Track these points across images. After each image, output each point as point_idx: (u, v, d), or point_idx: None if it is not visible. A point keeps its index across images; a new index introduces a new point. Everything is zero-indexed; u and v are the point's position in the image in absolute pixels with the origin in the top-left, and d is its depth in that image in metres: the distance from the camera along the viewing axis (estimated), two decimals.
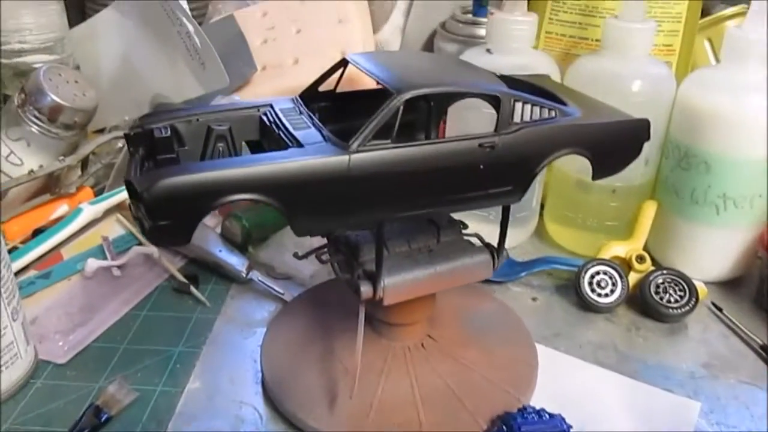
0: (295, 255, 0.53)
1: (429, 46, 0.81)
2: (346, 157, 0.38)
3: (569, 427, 0.45)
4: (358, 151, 0.38)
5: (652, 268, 0.63)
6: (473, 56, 0.64)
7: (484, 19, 0.76)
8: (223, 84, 0.69)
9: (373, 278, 0.44)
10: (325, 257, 0.49)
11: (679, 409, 0.50)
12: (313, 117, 0.43)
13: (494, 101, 0.42)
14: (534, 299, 0.63)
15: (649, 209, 0.65)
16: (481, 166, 0.41)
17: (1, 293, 0.48)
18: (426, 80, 0.41)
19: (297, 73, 0.74)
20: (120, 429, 0.48)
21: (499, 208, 0.46)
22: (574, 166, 0.67)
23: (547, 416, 0.45)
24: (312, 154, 0.38)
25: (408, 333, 0.51)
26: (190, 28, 0.68)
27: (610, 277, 0.61)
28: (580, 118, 0.44)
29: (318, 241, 0.54)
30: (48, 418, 0.49)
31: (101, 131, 0.79)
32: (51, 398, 0.50)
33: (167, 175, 0.35)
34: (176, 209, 0.36)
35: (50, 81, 0.65)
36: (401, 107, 0.39)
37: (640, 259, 0.63)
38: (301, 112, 0.44)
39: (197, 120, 0.45)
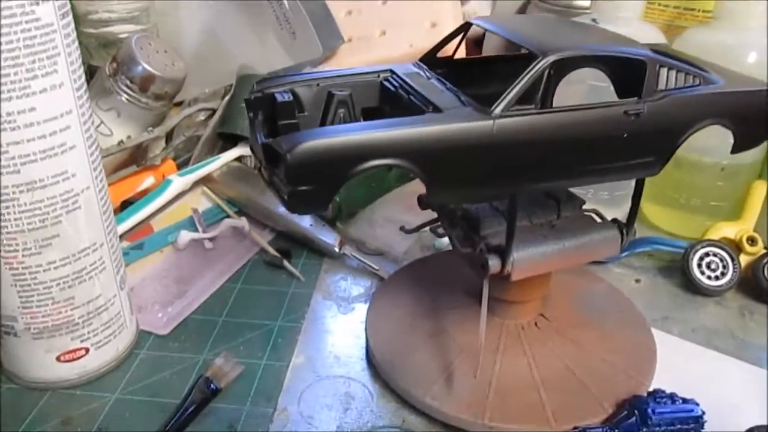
0: (402, 229, 0.52)
1: None
2: (490, 122, 0.36)
3: (704, 413, 0.42)
4: (502, 116, 0.36)
5: (764, 250, 0.60)
6: None
7: None
8: (315, 54, 0.67)
9: (502, 252, 0.42)
10: (441, 231, 0.47)
11: None
12: (445, 81, 0.41)
13: (634, 67, 0.39)
14: (637, 281, 0.61)
15: (760, 189, 0.62)
16: (625, 135, 0.39)
17: (111, 262, 0.47)
18: (570, 42, 0.39)
19: (385, 45, 0.72)
20: (229, 402, 0.47)
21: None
22: None
23: (681, 401, 0.43)
24: (455, 119, 0.36)
25: (522, 311, 0.49)
26: None
27: (721, 259, 0.59)
28: (724, 86, 0.41)
29: (419, 220, 0.52)
30: (155, 388, 0.48)
31: (180, 104, 0.79)
32: (156, 369, 0.50)
33: (311, 137, 0.34)
34: (319, 173, 0.34)
35: (141, 50, 0.65)
36: (548, 70, 0.37)
37: (752, 240, 0.60)
38: (429, 77, 0.42)
39: (318, 85, 0.43)
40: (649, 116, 0.39)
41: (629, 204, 0.69)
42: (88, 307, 0.46)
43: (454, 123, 0.36)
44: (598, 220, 0.47)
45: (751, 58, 0.59)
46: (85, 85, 0.43)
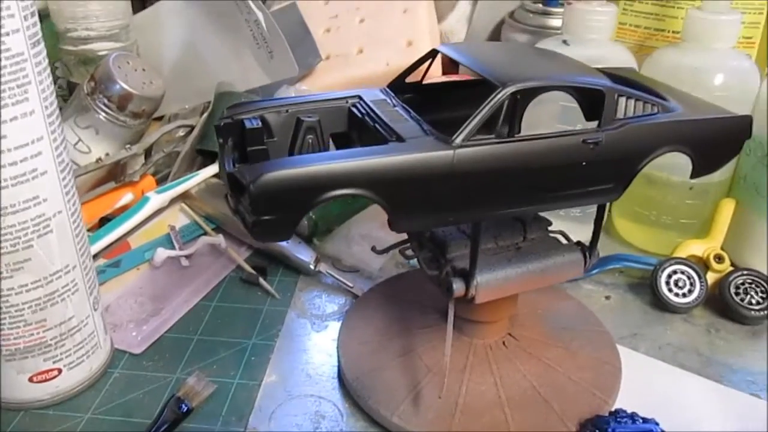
0: (374, 250, 0.53)
1: (496, 35, 0.79)
2: (450, 152, 0.37)
3: None
4: (462, 146, 0.37)
5: (731, 268, 0.61)
6: (548, 47, 0.62)
7: (555, 9, 0.75)
8: (292, 73, 0.68)
9: (466, 276, 0.43)
10: (409, 253, 0.48)
11: None
12: (410, 110, 0.42)
13: (596, 96, 0.41)
14: (607, 297, 0.62)
15: (728, 207, 0.63)
16: (584, 163, 0.40)
17: (85, 283, 0.47)
18: (531, 73, 0.40)
19: (362, 63, 0.73)
20: (201, 422, 0.47)
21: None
22: None
23: (641, 420, 0.44)
24: (416, 149, 0.37)
25: (490, 331, 0.50)
26: (260, 15, 0.67)
27: (688, 277, 0.60)
28: (682, 114, 0.43)
29: (394, 236, 0.53)
30: (128, 408, 0.48)
31: (160, 119, 0.79)
32: (130, 388, 0.50)
33: (274, 168, 0.34)
34: (282, 203, 0.35)
35: (119, 69, 0.65)
36: (506, 101, 0.38)
37: (719, 258, 0.61)
38: (395, 105, 0.43)
39: (287, 111, 0.44)
40: (607, 145, 0.40)
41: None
42: (61, 328, 0.46)
43: (416, 153, 0.37)
44: (564, 241, 0.48)
45: (718, 80, 0.61)
46: (57, 111, 0.43)
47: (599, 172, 0.41)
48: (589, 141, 0.39)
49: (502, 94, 0.38)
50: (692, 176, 0.45)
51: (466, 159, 0.37)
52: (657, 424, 0.44)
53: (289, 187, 0.35)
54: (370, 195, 0.36)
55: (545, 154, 0.39)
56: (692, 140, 0.42)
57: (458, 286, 0.43)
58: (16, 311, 0.44)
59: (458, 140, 0.37)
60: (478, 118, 0.38)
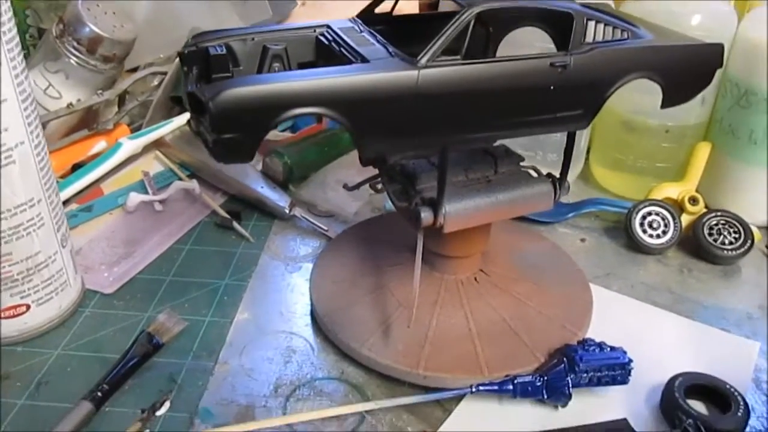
0: (345, 186, 0.52)
1: None
2: (414, 72, 0.36)
3: (630, 360, 0.44)
4: (426, 67, 0.37)
5: (705, 210, 0.61)
6: None
7: None
8: (265, 16, 0.67)
9: (434, 205, 0.42)
10: (379, 186, 0.48)
11: (739, 349, 0.49)
12: (376, 34, 0.41)
13: (565, 21, 0.40)
14: (582, 240, 0.62)
15: (703, 151, 0.63)
16: (552, 87, 0.39)
17: (51, 219, 0.47)
18: None
19: (339, 8, 0.72)
20: (171, 356, 0.47)
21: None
22: (624, 106, 0.65)
23: (608, 349, 0.44)
24: (379, 69, 0.36)
25: (461, 266, 0.49)
26: None
27: (662, 218, 0.60)
28: (652, 41, 0.42)
29: (366, 175, 0.53)
30: (99, 344, 0.48)
31: (135, 70, 0.78)
32: (100, 326, 0.50)
33: (233, 86, 0.34)
34: (242, 121, 0.34)
35: (89, 11, 0.64)
36: (472, 22, 0.37)
37: (693, 200, 0.61)
38: (361, 31, 0.42)
39: (252, 39, 0.43)
40: (575, 69, 0.39)
41: (578, 166, 0.70)
42: (27, 263, 0.46)
43: (380, 72, 0.36)
44: (536, 175, 0.48)
45: (695, 21, 0.60)
46: (17, 39, 0.42)
47: (567, 97, 0.40)
48: (557, 64, 0.39)
49: (468, 14, 0.37)
50: (663, 105, 0.44)
51: (431, 80, 0.37)
52: (625, 352, 0.44)
53: (250, 104, 0.34)
54: (332, 114, 0.35)
55: (512, 77, 0.38)
56: (662, 67, 0.42)
57: (426, 215, 0.42)
58: None
59: (423, 61, 0.37)
60: (443, 38, 0.37)
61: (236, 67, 0.43)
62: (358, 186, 0.50)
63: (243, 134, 0.35)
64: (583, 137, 0.68)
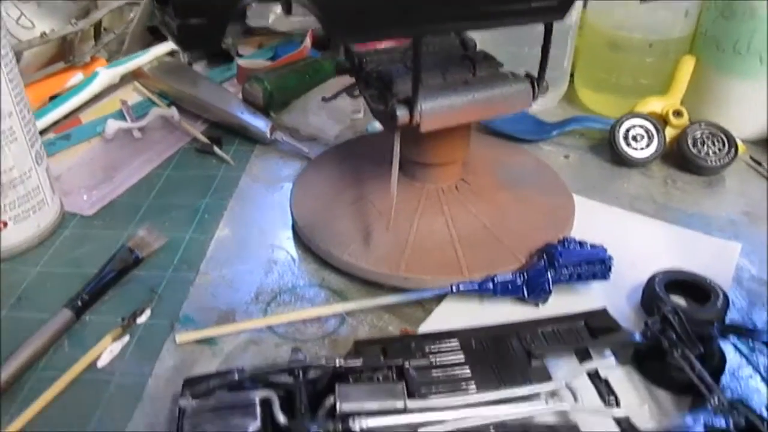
0: (323, 98, 0.51)
1: None
2: None
3: (610, 257, 0.43)
4: None
5: (690, 123, 0.60)
6: None
7: None
8: None
9: (410, 103, 0.42)
10: (356, 93, 0.47)
11: (721, 250, 0.49)
12: None
13: None
14: (566, 157, 0.61)
15: (688, 64, 0.63)
16: None
17: (24, 134, 0.46)
18: None
19: None
20: (152, 270, 0.47)
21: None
22: (607, 23, 0.64)
23: (589, 246, 0.44)
24: None
25: (441, 175, 0.49)
26: None
27: (646, 131, 0.59)
28: None
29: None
30: (78, 261, 0.48)
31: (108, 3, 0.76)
32: (80, 245, 0.50)
33: None
34: (205, 5, 0.33)
35: None
36: None
37: (677, 114, 0.61)
38: None
39: None
40: None
41: (563, 87, 0.70)
42: (1, 178, 0.45)
43: None
44: None
45: None
46: None
47: None
48: None
49: None
50: None
51: None
52: (605, 249, 0.44)
53: None
54: None
55: None
56: None
57: (402, 113, 0.42)
58: None
59: None
60: None
61: None
62: (335, 96, 0.50)
63: (208, 18, 0.34)
64: (566, 56, 0.67)
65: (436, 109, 0.42)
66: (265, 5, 0.77)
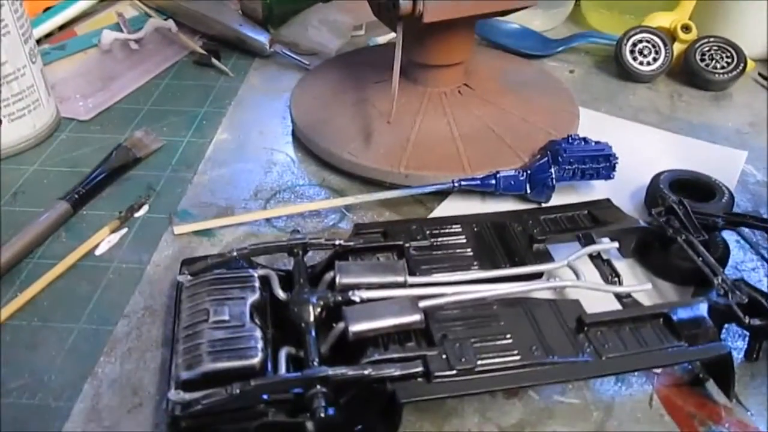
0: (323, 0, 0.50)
1: None
2: None
3: (615, 156, 0.43)
4: None
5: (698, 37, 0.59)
6: None
7: None
8: None
9: None
10: None
11: (726, 157, 0.49)
12: None
13: None
14: (571, 72, 0.60)
15: None
16: None
17: (17, 29, 0.45)
18: None
19: None
20: (150, 170, 0.46)
21: None
22: None
23: (593, 143, 0.43)
24: None
25: (444, 77, 0.48)
26: None
27: (653, 45, 0.58)
28: None
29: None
30: (75, 161, 0.47)
31: None
32: (77, 147, 0.49)
33: None
34: None
35: None
36: None
37: (686, 28, 0.59)
38: None
39: None
40: None
41: (568, 5, 0.68)
42: None
43: None
44: None
45: None
46: None
47: None
48: None
49: None
50: None
51: None
52: (610, 147, 0.43)
53: None
54: None
55: None
56: None
57: (405, 3, 0.40)
58: None
59: None
60: None
61: None
62: None
63: None
64: None
65: None
66: None
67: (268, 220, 0.42)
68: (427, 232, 0.36)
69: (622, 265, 0.38)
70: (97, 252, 0.39)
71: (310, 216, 0.42)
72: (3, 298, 0.36)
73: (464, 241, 0.36)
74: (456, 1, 0.42)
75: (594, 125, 0.51)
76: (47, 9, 0.63)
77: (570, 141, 0.43)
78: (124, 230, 0.41)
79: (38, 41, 0.60)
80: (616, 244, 0.36)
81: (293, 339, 0.31)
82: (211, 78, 0.58)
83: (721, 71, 0.57)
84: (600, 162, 0.42)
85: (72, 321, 0.35)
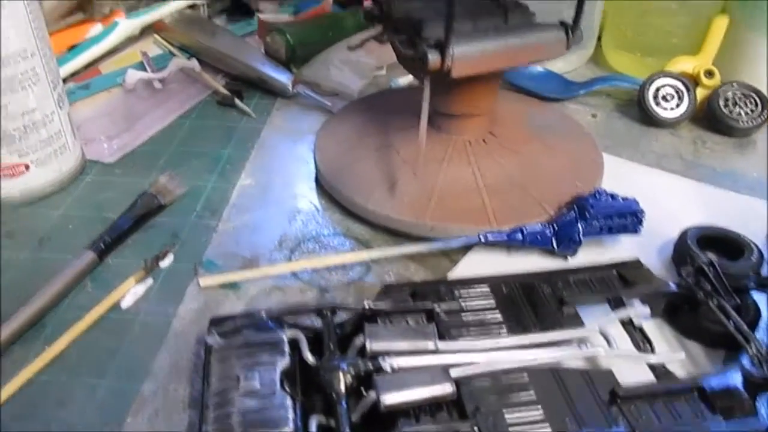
0: (349, 47, 0.50)
1: None
2: None
3: (642, 210, 0.43)
4: None
5: (721, 83, 0.59)
6: None
7: None
8: None
9: (441, 47, 0.41)
10: (384, 38, 0.46)
11: (752, 209, 0.48)
12: None
13: None
14: (593, 116, 0.60)
15: (721, 24, 0.61)
16: None
17: (46, 75, 0.45)
18: None
19: None
20: (174, 216, 0.47)
21: None
22: None
23: (620, 199, 0.43)
24: None
25: (469, 126, 0.48)
26: None
27: (677, 91, 0.58)
28: None
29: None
30: (100, 206, 0.48)
31: None
32: (102, 191, 0.49)
33: None
34: None
35: None
36: None
37: (709, 74, 0.59)
38: None
39: None
40: None
41: (590, 47, 0.68)
42: (23, 119, 0.45)
43: None
44: None
45: None
46: None
47: None
48: None
49: None
50: None
51: None
52: (636, 202, 0.43)
53: None
54: None
55: None
56: None
57: (434, 57, 0.41)
58: None
59: None
60: None
61: None
62: (362, 43, 0.49)
63: None
64: (595, 15, 0.65)
65: (468, 54, 0.41)
66: None
67: (293, 272, 0.42)
68: (456, 293, 0.36)
69: (650, 325, 0.37)
70: (123, 305, 0.39)
71: (336, 268, 0.42)
72: (29, 352, 0.36)
73: (493, 303, 0.36)
74: (484, 56, 0.42)
75: (618, 172, 0.50)
76: (72, 47, 0.64)
77: (597, 196, 0.43)
78: (150, 281, 0.41)
79: (63, 80, 0.60)
80: (647, 310, 0.36)
81: (322, 405, 0.30)
82: (234, 118, 0.58)
83: (746, 119, 0.56)
84: (627, 218, 0.42)
85: (99, 376, 0.35)
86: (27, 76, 0.44)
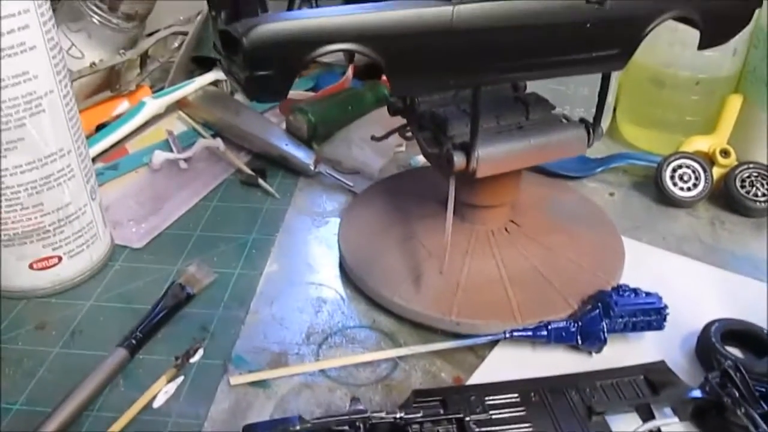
0: (373, 137, 0.52)
1: None
2: (449, 8, 0.36)
3: (666, 306, 0.43)
4: (462, 2, 0.36)
5: (737, 162, 0.60)
6: None
7: None
8: None
9: (466, 148, 0.42)
10: (408, 134, 0.47)
11: None
12: None
13: None
14: (611, 194, 0.61)
15: (735, 103, 0.62)
16: (588, 24, 0.38)
17: (81, 170, 0.47)
18: None
19: None
20: (203, 307, 0.47)
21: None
22: (653, 59, 0.64)
23: (644, 294, 0.43)
24: (414, 4, 0.36)
25: (492, 216, 0.49)
26: None
27: (693, 171, 0.59)
28: None
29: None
30: (130, 296, 0.48)
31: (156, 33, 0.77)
32: (131, 278, 0.50)
33: (266, 21, 0.33)
34: (275, 57, 0.34)
35: None
36: None
37: (725, 153, 0.60)
38: None
39: None
40: (612, 5, 0.38)
41: (606, 123, 0.69)
42: (58, 214, 0.46)
43: (414, 8, 0.35)
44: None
45: None
46: None
47: (603, 35, 0.39)
48: (593, 0, 0.38)
49: None
50: (699, 47, 0.43)
51: (466, 15, 0.36)
52: (660, 298, 0.43)
53: (284, 40, 0.34)
54: (365, 51, 0.35)
55: (547, 13, 0.37)
56: (700, 4, 0.41)
57: (459, 159, 0.42)
58: (12, 193, 0.44)
59: None
60: None
61: (264, 11, 0.42)
62: (386, 136, 0.50)
63: (276, 71, 0.34)
64: (610, 92, 0.67)
65: (492, 155, 0.42)
66: None
67: (321, 370, 0.42)
68: (486, 402, 0.36)
69: (677, 427, 0.38)
70: (155, 405, 0.40)
71: (363, 365, 0.43)
72: None
73: (524, 413, 0.36)
74: (508, 157, 0.43)
75: (638, 258, 0.51)
76: (100, 126, 0.66)
77: (620, 293, 0.43)
78: (180, 378, 0.42)
79: (92, 159, 0.62)
80: (675, 420, 0.36)
81: None
82: (258, 200, 0.60)
83: (763, 199, 0.57)
84: (651, 315, 0.43)
85: None
86: (63, 173, 0.45)
